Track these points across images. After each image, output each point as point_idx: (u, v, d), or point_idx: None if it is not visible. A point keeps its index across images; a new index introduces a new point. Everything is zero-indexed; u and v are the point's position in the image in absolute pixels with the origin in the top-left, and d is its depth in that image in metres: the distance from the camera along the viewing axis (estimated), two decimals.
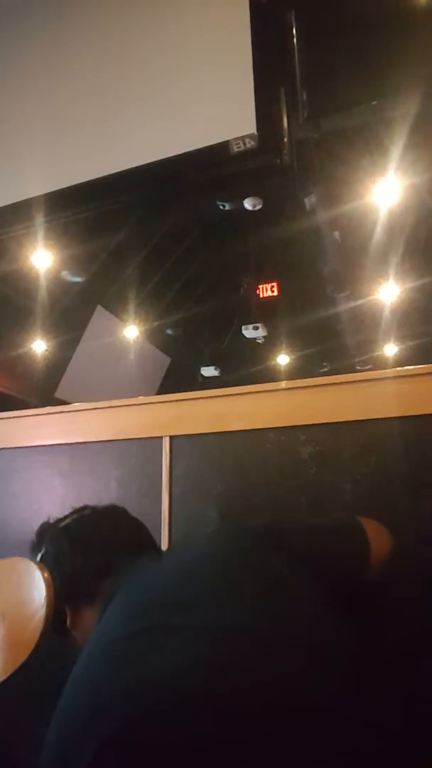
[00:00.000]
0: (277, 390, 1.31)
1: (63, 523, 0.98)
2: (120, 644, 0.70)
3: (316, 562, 0.86)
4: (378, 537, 0.94)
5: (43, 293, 6.42)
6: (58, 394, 7.43)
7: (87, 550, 0.92)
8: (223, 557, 0.85)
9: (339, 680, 0.67)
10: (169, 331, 8.85)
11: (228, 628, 0.70)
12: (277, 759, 0.58)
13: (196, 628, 0.70)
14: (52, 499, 1.50)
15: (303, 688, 0.64)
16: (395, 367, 1.39)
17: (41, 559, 0.96)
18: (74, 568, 0.91)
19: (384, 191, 4.33)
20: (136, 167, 1.88)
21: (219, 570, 0.81)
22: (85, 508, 1.02)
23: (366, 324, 7.52)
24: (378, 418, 1.18)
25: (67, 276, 6.50)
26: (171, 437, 1.38)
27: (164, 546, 1.30)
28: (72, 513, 1.02)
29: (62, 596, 0.90)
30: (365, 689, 0.69)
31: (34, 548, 1.00)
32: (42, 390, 7.35)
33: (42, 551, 0.97)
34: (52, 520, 1.02)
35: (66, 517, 1.01)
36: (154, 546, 1.01)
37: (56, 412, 1.58)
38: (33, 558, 0.98)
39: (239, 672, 0.65)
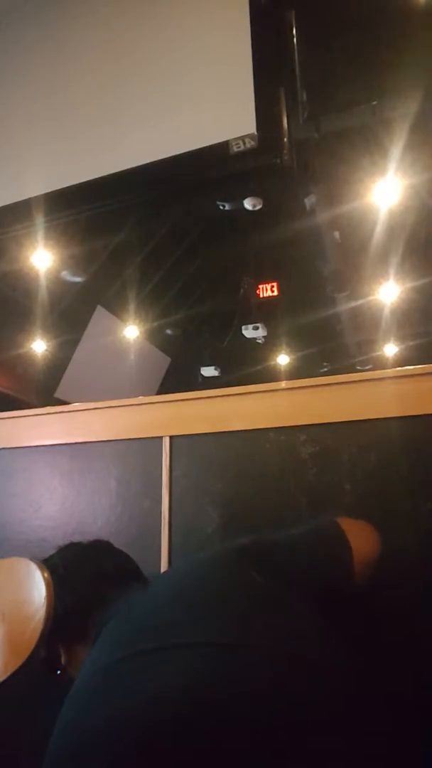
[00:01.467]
0: (277, 390, 1.31)
1: (50, 563, 0.99)
2: (106, 671, 0.72)
3: (297, 576, 0.87)
4: (360, 538, 0.94)
5: (43, 293, 6.43)
6: (58, 394, 7.43)
7: (75, 588, 0.93)
8: (208, 577, 0.87)
9: (329, 692, 0.68)
10: (169, 331, 8.85)
11: (216, 644, 0.71)
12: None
13: (185, 647, 0.71)
14: (52, 499, 1.50)
15: (293, 700, 0.64)
16: (395, 367, 1.39)
17: None
18: (65, 608, 0.91)
19: (384, 191, 4.33)
20: (136, 167, 1.89)
21: (204, 589, 0.83)
22: (70, 546, 1.04)
23: (366, 324, 7.52)
24: (378, 418, 1.18)
25: (67, 276, 6.50)
26: (171, 437, 1.38)
27: (164, 545, 1.30)
28: (57, 552, 1.03)
29: (55, 636, 0.91)
30: (356, 700, 0.69)
31: None
32: (42, 390, 7.35)
33: None
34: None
35: (52, 556, 1.02)
36: (141, 576, 1.02)
37: (56, 412, 1.58)
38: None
39: (230, 687, 0.65)
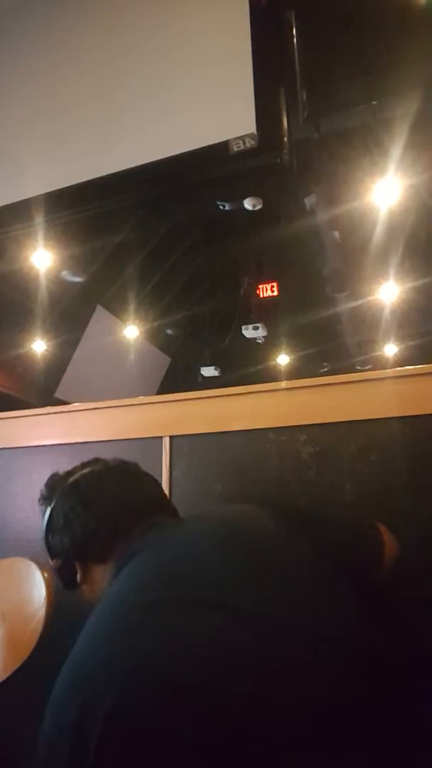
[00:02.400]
0: (277, 390, 1.31)
1: (73, 479, 0.95)
2: (133, 612, 0.68)
3: (339, 552, 0.84)
4: (389, 540, 0.93)
5: (43, 293, 6.42)
6: (58, 394, 7.43)
7: (98, 510, 0.89)
8: (250, 535, 0.82)
9: (352, 674, 0.65)
10: (169, 331, 8.85)
11: (248, 610, 0.67)
12: (278, 747, 0.57)
13: (215, 606, 0.68)
14: None
15: (317, 678, 0.62)
16: (395, 367, 1.39)
17: (50, 514, 0.94)
18: (85, 529, 0.88)
19: (384, 191, 4.32)
20: (137, 167, 1.89)
21: (243, 547, 0.78)
22: (96, 461, 0.99)
23: (366, 324, 7.52)
24: (378, 418, 1.18)
25: (67, 276, 6.50)
26: (171, 437, 1.38)
27: None
28: (82, 467, 0.98)
29: (72, 554, 0.89)
30: (373, 686, 0.68)
31: (44, 499, 0.97)
32: (42, 390, 7.35)
33: (51, 506, 0.94)
34: (62, 472, 0.99)
35: (76, 470, 0.97)
36: (169, 506, 0.98)
37: (56, 412, 1.58)
38: (42, 507, 0.96)
39: (251, 656, 0.63)
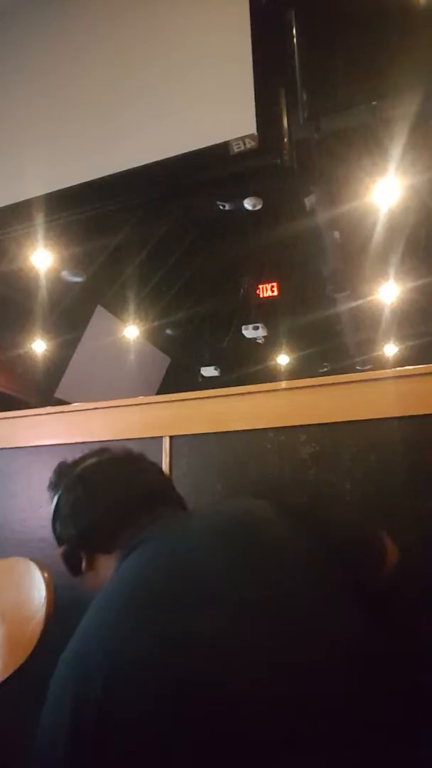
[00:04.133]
0: (277, 390, 1.31)
1: (80, 469, 0.95)
2: (133, 605, 0.68)
3: (346, 553, 0.84)
4: (390, 546, 0.93)
5: (43, 293, 6.43)
6: (58, 394, 7.44)
7: (103, 502, 0.90)
8: (256, 530, 0.81)
9: (352, 675, 0.65)
10: (169, 331, 8.86)
11: (250, 607, 0.67)
12: (273, 746, 0.57)
13: (216, 601, 0.67)
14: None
15: (317, 678, 0.62)
16: (395, 367, 1.39)
17: (57, 503, 0.95)
18: (91, 519, 0.89)
19: (384, 191, 4.32)
20: (136, 167, 1.89)
21: (249, 543, 0.78)
22: (103, 451, 0.99)
23: (366, 324, 7.52)
24: (378, 418, 1.18)
25: (67, 276, 6.50)
26: (171, 437, 1.38)
27: None
28: (89, 456, 0.98)
29: (78, 543, 0.90)
30: (372, 687, 0.68)
31: (52, 486, 0.97)
32: (42, 390, 7.36)
33: (58, 494, 0.95)
34: (70, 460, 0.99)
35: (83, 459, 0.98)
36: (176, 497, 0.98)
37: (56, 412, 1.58)
38: (50, 494, 0.97)
39: (250, 653, 0.62)
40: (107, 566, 0.85)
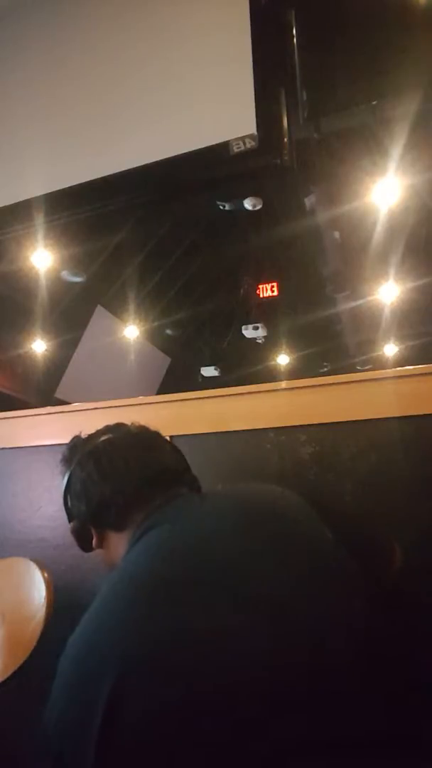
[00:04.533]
0: (277, 390, 1.31)
1: (92, 445, 0.93)
2: (142, 593, 0.67)
3: (362, 549, 0.83)
4: (396, 547, 0.94)
5: (43, 293, 6.42)
6: (58, 394, 7.44)
7: (114, 480, 0.88)
8: (273, 519, 0.79)
9: (361, 672, 0.65)
10: (169, 331, 8.85)
11: (261, 599, 0.66)
12: (280, 743, 0.56)
13: (227, 592, 0.66)
14: (52, 499, 1.49)
15: (326, 674, 0.62)
16: (395, 367, 1.39)
17: (68, 479, 0.93)
18: (102, 498, 0.87)
19: (384, 191, 4.32)
20: (136, 167, 1.89)
21: (264, 532, 0.76)
22: (117, 427, 0.97)
23: (366, 324, 7.52)
24: (378, 418, 1.18)
25: (67, 276, 6.50)
26: (171, 437, 1.38)
27: None
28: (103, 431, 0.96)
29: (88, 520, 0.89)
30: (379, 684, 0.67)
31: (64, 461, 0.96)
32: (42, 390, 7.35)
33: (70, 470, 0.94)
34: (84, 435, 0.98)
35: (98, 434, 0.96)
36: (190, 478, 0.95)
37: (56, 412, 1.58)
38: (62, 469, 0.96)
39: (259, 646, 0.61)
40: (118, 544, 0.85)
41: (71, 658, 0.65)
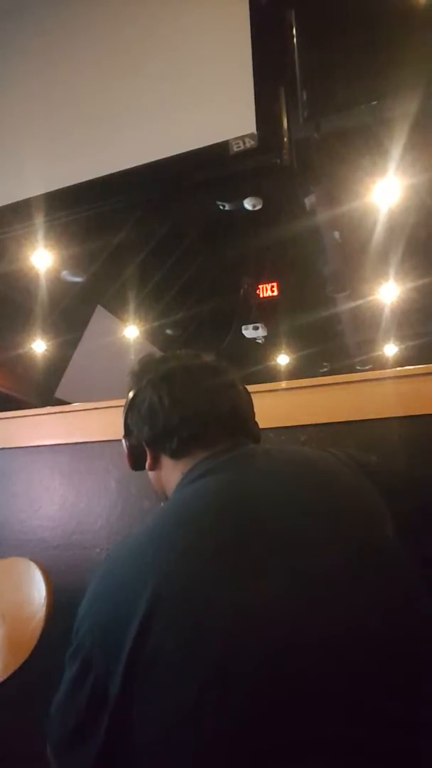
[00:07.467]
0: (277, 390, 1.31)
1: (169, 368, 0.89)
2: (185, 549, 0.65)
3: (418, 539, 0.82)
4: None
5: (43, 293, 6.42)
6: (58, 394, 7.43)
7: (185, 410, 0.85)
8: (338, 492, 0.77)
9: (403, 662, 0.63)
10: (169, 331, 8.84)
11: (312, 576, 0.63)
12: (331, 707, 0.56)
13: (277, 565, 0.64)
14: (52, 499, 1.49)
15: (368, 660, 0.60)
16: (395, 367, 1.39)
17: (135, 395, 0.89)
18: (168, 424, 0.84)
19: (384, 191, 4.32)
20: (136, 167, 1.89)
21: (328, 505, 0.73)
22: (196, 356, 0.93)
23: (366, 324, 7.52)
24: (378, 418, 1.18)
25: (67, 276, 6.50)
26: None
27: None
28: (179, 356, 0.93)
29: (147, 441, 0.87)
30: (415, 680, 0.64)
31: (133, 376, 0.92)
32: (42, 390, 7.35)
33: (138, 388, 0.89)
34: (158, 355, 0.94)
35: (173, 358, 0.92)
36: (256, 430, 0.92)
37: (56, 412, 1.58)
38: (129, 382, 0.92)
39: (302, 624, 0.60)
40: (172, 471, 0.83)
41: (116, 560, 0.64)
